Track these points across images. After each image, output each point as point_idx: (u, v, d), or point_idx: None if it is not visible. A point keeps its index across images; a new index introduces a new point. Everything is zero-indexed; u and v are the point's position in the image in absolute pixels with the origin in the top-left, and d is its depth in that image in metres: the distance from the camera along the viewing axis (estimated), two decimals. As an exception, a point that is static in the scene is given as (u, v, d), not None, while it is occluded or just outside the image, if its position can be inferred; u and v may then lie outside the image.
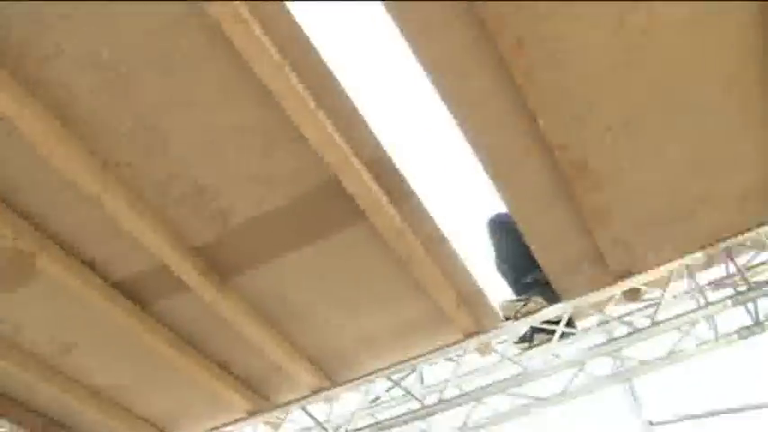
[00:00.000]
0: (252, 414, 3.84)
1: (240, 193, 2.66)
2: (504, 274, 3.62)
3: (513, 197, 2.79)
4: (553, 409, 3.67)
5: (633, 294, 3.47)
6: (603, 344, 3.44)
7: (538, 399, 3.62)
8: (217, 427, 3.99)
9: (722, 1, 2.15)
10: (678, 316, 3.29)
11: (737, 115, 2.53)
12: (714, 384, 4.88)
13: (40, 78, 2.23)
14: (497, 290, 3.58)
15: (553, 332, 3.40)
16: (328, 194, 2.62)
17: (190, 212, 2.72)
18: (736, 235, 3.04)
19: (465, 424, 3.82)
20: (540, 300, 3.35)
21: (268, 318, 3.23)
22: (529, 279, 3.43)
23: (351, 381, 3.64)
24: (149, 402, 3.87)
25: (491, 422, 3.79)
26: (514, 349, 3.64)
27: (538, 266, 3.11)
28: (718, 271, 3.60)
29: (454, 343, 3.38)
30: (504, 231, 3.55)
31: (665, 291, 3.31)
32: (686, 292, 3.71)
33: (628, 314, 3.68)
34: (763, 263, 3.57)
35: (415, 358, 3.49)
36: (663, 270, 3.17)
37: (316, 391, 3.68)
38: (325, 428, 3.98)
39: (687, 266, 3.30)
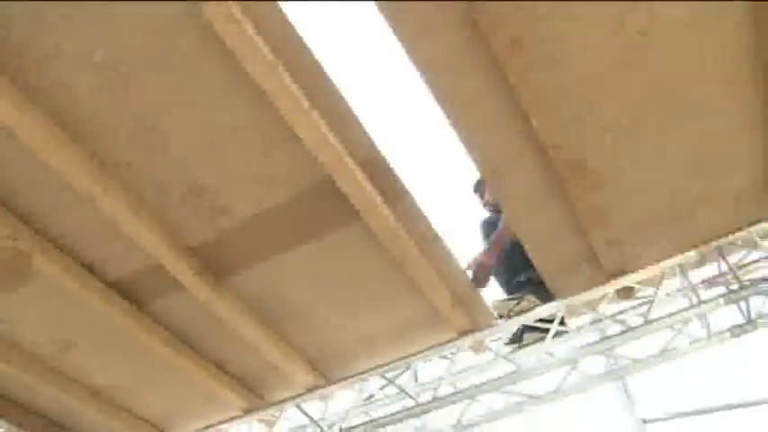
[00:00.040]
0: (247, 412, 3.85)
1: (240, 193, 2.66)
2: (498, 274, 3.63)
3: (506, 197, 2.80)
4: (547, 406, 3.70)
5: (626, 293, 3.47)
6: (597, 342, 3.46)
7: (531, 397, 3.64)
8: (212, 425, 4.01)
9: (722, 1, 2.15)
10: (671, 314, 3.32)
11: (736, 115, 2.53)
12: (707, 382, 4.91)
13: (40, 86, 2.24)
14: (491, 289, 3.60)
15: (546, 331, 3.42)
16: (323, 194, 2.62)
17: (189, 212, 2.71)
18: (729, 234, 3.05)
19: (459, 422, 3.85)
20: (533, 298, 3.36)
21: (263, 317, 3.23)
22: (522, 278, 3.44)
23: (345, 379, 3.64)
24: (147, 402, 3.87)
25: (485, 420, 3.82)
26: (508, 348, 3.66)
27: (531, 265, 3.11)
28: (710, 269, 3.62)
29: (448, 341, 3.38)
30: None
31: (657, 289, 3.33)
32: (679, 291, 3.74)
33: (621, 312, 3.71)
34: (754, 261, 3.60)
35: (409, 356, 3.50)
36: (656, 269, 3.17)
37: (310, 389, 3.68)
38: (319, 426, 4.00)
39: (680, 265, 3.31)
